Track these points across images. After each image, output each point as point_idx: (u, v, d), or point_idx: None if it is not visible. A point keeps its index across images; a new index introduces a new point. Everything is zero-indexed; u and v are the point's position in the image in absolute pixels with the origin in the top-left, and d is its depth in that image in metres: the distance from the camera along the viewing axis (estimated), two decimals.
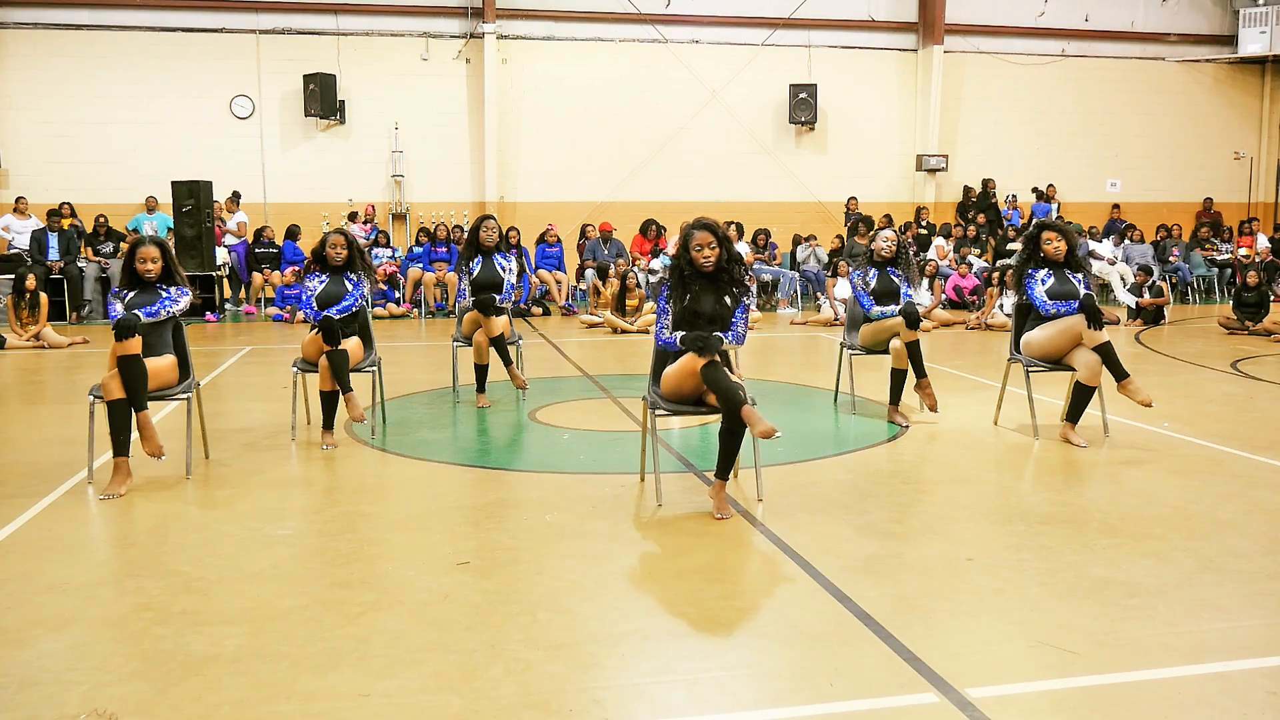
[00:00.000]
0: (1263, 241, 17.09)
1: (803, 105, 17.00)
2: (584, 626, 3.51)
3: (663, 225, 15.72)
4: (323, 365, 6.19)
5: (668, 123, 16.91)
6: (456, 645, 3.34)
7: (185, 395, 5.59)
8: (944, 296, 14.58)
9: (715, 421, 6.81)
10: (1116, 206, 18.16)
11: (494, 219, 7.83)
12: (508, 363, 7.49)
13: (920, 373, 6.83)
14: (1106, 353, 6.11)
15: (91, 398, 5.35)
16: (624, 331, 12.36)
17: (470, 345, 7.54)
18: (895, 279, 7.14)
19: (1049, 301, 6.33)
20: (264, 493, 5.24)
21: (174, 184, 13.79)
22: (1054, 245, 6.41)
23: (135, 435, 5.26)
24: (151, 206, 14.77)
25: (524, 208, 16.65)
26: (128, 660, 3.24)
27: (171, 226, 13.94)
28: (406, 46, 16.29)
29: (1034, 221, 6.68)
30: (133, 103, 15.49)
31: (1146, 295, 13.12)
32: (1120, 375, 6.12)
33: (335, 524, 4.70)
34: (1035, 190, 17.65)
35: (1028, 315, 6.58)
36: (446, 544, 4.40)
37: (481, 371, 7.54)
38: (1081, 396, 6.23)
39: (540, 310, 14.60)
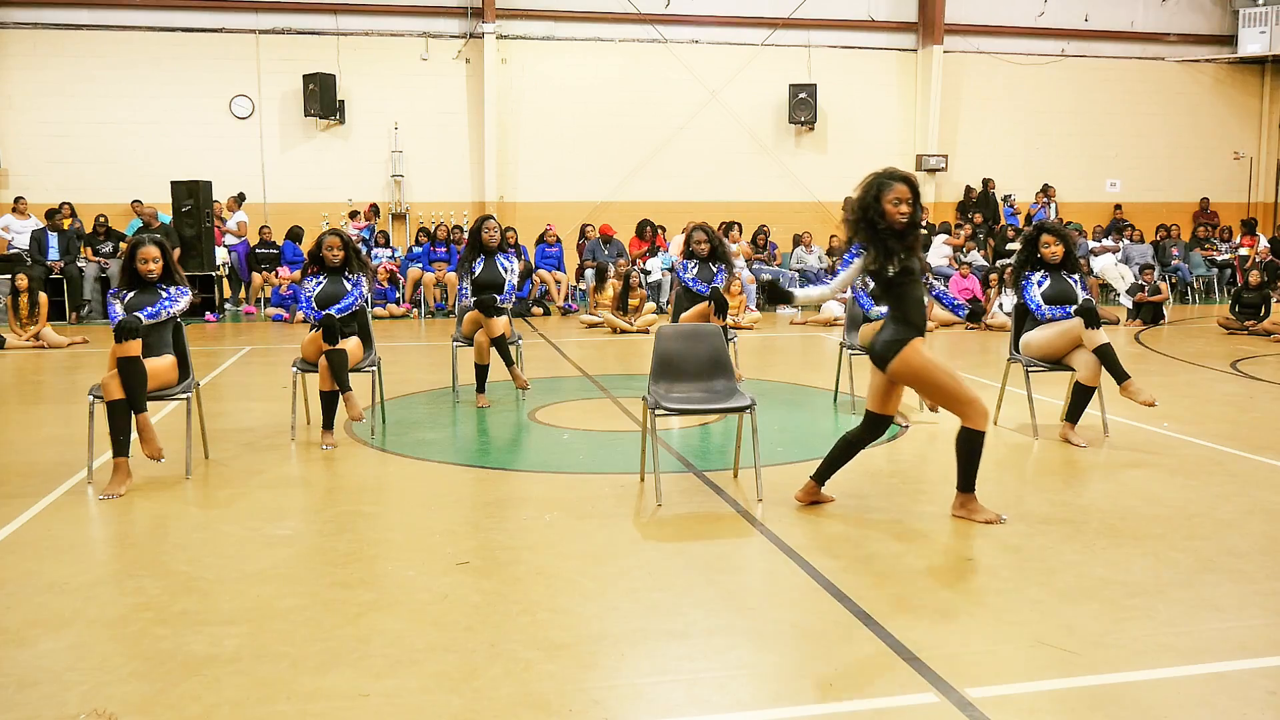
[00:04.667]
0: (1262, 241, 17.09)
1: (802, 105, 17.00)
2: (584, 626, 3.51)
3: (660, 225, 15.71)
4: (322, 365, 6.20)
5: (667, 123, 16.91)
6: (456, 645, 3.34)
7: (185, 395, 5.59)
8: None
9: (715, 421, 6.84)
10: (1117, 207, 18.16)
11: (494, 219, 7.83)
12: (509, 363, 7.49)
13: None
14: (1106, 355, 6.11)
15: (91, 398, 5.34)
16: (624, 331, 12.35)
17: (470, 345, 7.54)
18: None
19: (1045, 306, 6.34)
20: (264, 493, 5.24)
21: (174, 184, 13.80)
22: (1051, 249, 6.42)
23: (135, 435, 5.26)
24: (140, 212, 14.68)
25: (523, 208, 16.65)
26: (128, 660, 3.24)
27: (166, 223, 13.91)
28: (406, 46, 16.28)
29: (1033, 223, 6.69)
30: (133, 103, 15.49)
31: (1145, 291, 13.12)
32: (1121, 377, 6.11)
33: (335, 524, 4.70)
34: (1039, 191, 17.63)
35: (1026, 316, 6.58)
36: (446, 544, 4.40)
37: (482, 371, 7.54)
38: (1081, 397, 6.23)
39: (540, 310, 14.60)
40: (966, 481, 4.66)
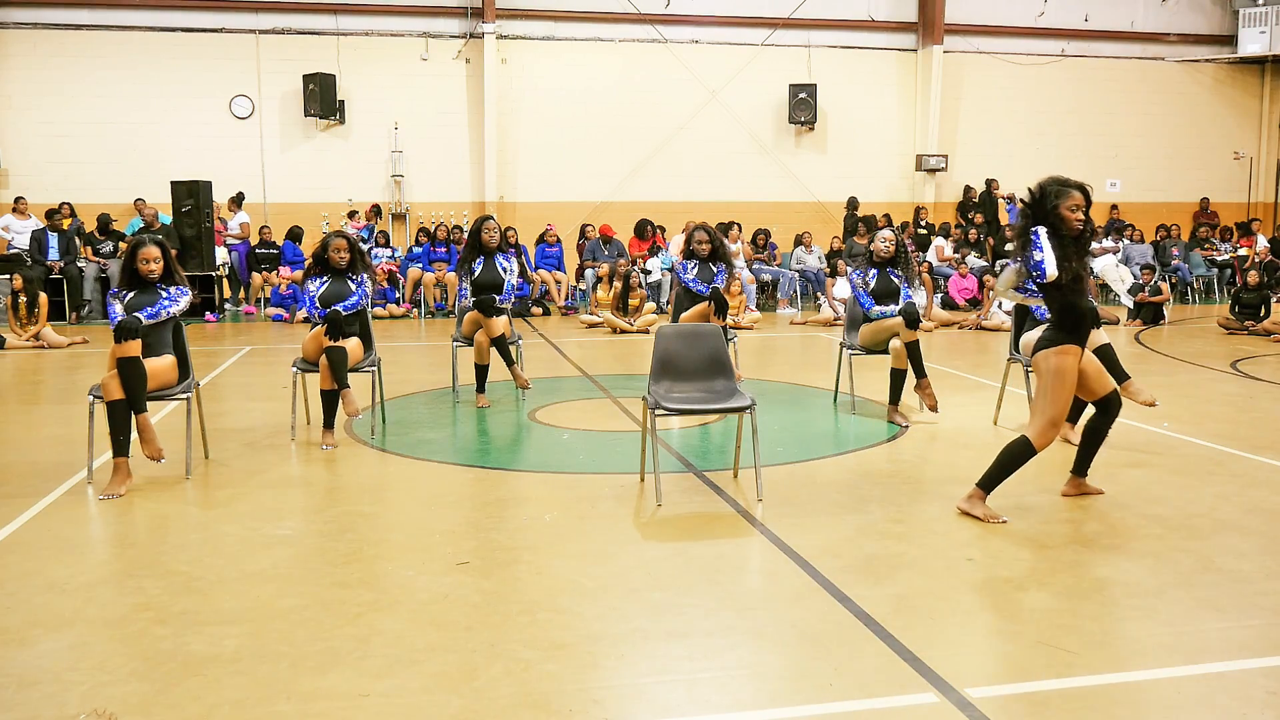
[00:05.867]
0: (1261, 242, 17.09)
1: (802, 105, 16.99)
2: (584, 626, 3.51)
3: (659, 225, 15.69)
4: (323, 364, 6.20)
5: (667, 123, 16.90)
6: (456, 645, 3.34)
7: (185, 395, 5.59)
8: (940, 296, 14.60)
9: (715, 421, 6.84)
10: (1114, 207, 18.16)
11: (494, 219, 7.83)
12: (510, 362, 7.49)
13: (920, 373, 6.83)
14: (1106, 355, 6.11)
15: (91, 398, 5.34)
16: (624, 331, 12.35)
17: (470, 345, 7.54)
18: (895, 279, 7.14)
19: (1045, 306, 6.35)
20: (264, 493, 5.24)
21: (174, 184, 13.79)
22: None
23: (135, 435, 5.26)
24: (141, 210, 14.70)
25: (523, 208, 16.65)
26: (128, 660, 3.24)
27: (167, 224, 13.91)
28: (406, 46, 16.28)
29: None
30: (133, 103, 15.49)
31: (1146, 291, 13.12)
32: (1121, 377, 6.11)
33: (335, 524, 4.70)
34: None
35: (1026, 316, 6.59)
36: (446, 544, 4.40)
37: (482, 371, 7.53)
38: None
39: (540, 310, 14.60)
40: (989, 482, 4.72)
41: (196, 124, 15.68)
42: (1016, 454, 4.65)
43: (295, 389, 6.60)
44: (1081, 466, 5.04)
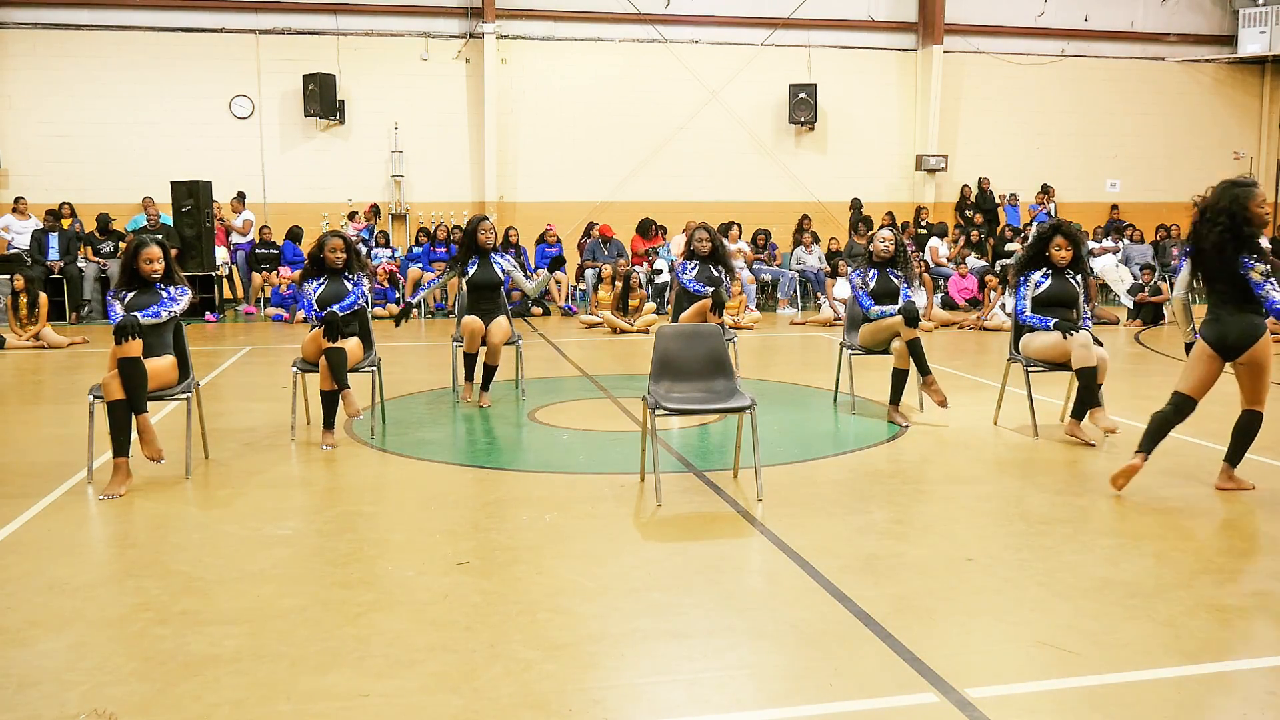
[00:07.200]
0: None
1: (802, 105, 16.99)
2: (584, 626, 3.51)
3: (660, 225, 15.69)
4: (322, 365, 6.20)
5: (667, 123, 16.91)
6: (456, 645, 3.34)
7: (185, 395, 5.59)
8: (940, 295, 14.59)
9: (714, 421, 6.84)
10: (1114, 207, 18.16)
11: (489, 220, 7.79)
12: (470, 379, 7.50)
13: (924, 370, 6.82)
14: (1087, 379, 6.07)
15: (91, 398, 5.34)
16: (624, 331, 12.35)
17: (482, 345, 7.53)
18: (895, 279, 7.14)
19: (1030, 314, 6.39)
20: (264, 493, 5.24)
21: (174, 184, 13.79)
22: (1061, 253, 6.42)
23: (135, 435, 5.26)
24: (148, 208, 14.71)
25: (524, 208, 16.65)
26: (128, 660, 3.24)
27: (169, 224, 13.91)
28: (406, 46, 16.29)
29: (1048, 223, 6.68)
30: (133, 103, 15.49)
31: (1146, 291, 13.12)
32: (1093, 404, 6.10)
33: (335, 524, 4.70)
34: (1039, 191, 17.58)
35: None
36: (446, 544, 4.40)
37: (489, 371, 7.50)
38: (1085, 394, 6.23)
39: (540, 310, 14.60)
40: (1237, 457, 5.11)
41: (196, 124, 15.68)
42: (1255, 427, 5.00)
43: (295, 389, 6.60)
44: (1147, 447, 5.10)
